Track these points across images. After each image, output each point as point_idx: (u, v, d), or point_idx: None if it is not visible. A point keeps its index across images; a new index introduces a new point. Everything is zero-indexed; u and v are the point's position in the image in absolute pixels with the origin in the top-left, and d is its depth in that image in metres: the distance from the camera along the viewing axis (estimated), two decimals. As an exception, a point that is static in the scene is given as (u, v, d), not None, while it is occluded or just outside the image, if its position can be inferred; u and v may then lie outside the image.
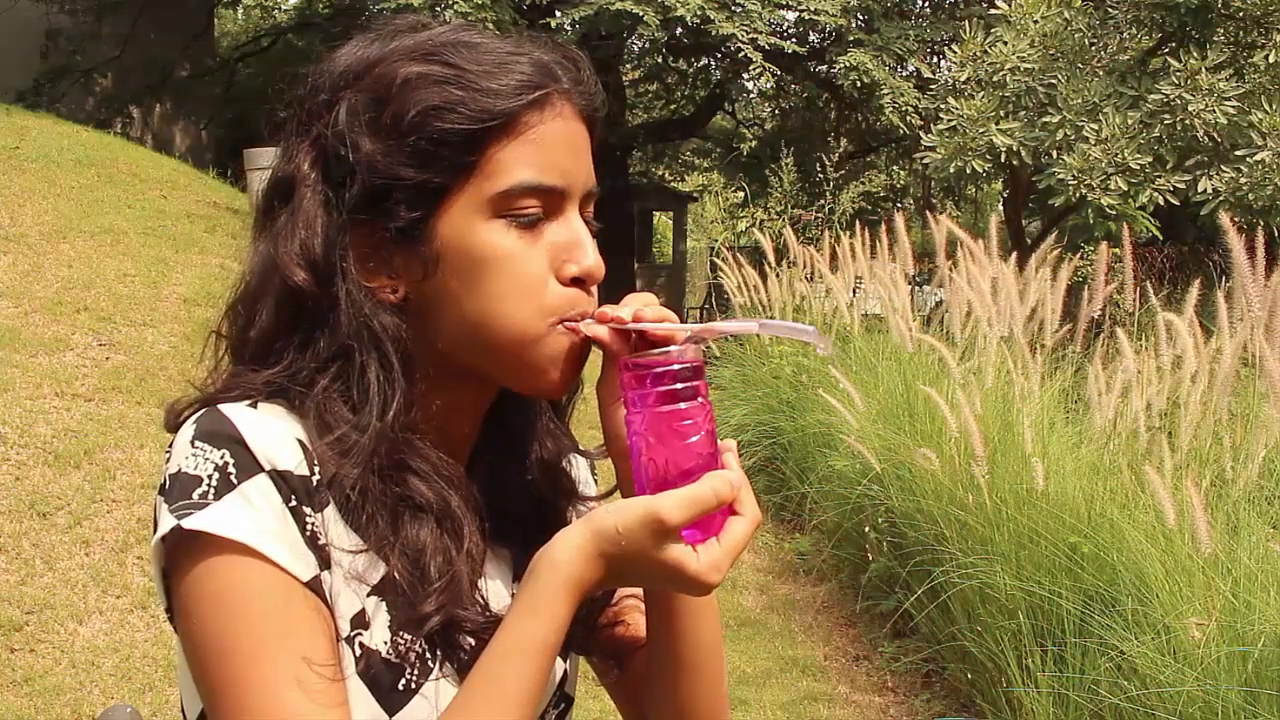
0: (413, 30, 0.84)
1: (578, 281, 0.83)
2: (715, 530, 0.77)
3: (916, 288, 7.41)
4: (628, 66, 16.45)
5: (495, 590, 0.89)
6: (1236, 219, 6.51)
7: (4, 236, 6.35)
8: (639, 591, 0.97)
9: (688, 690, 0.92)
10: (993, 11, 8.20)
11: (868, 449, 3.97)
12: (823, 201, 8.69)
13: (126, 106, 14.81)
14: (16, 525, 3.86)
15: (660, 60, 15.79)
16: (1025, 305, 4.11)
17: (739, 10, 11.71)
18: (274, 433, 0.78)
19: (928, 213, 5.88)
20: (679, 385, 0.77)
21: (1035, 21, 7.66)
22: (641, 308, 0.82)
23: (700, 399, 0.78)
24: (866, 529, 4.29)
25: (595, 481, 1.05)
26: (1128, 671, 2.79)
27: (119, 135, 11.74)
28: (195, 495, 0.75)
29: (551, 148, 0.81)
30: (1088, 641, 2.97)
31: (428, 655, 0.82)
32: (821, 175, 8.85)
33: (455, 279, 0.81)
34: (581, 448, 1.02)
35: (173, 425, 0.83)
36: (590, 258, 0.83)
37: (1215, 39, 7.65)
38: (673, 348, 0.79)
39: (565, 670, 0.94)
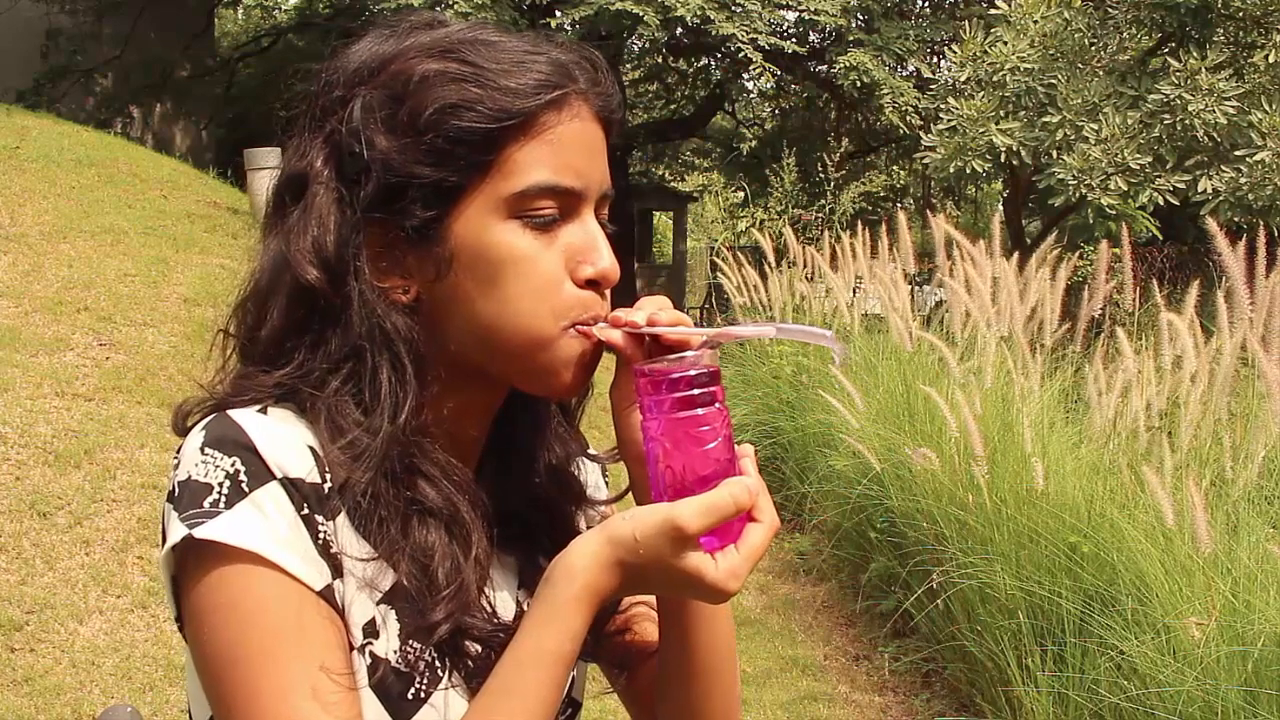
0: (429, 27, 0.83)
1: (592, 284, 0.82)
2: (733, 537, 0.76)
3: (916, 287, 7.41)
4: (628, 66, 16.45)
5: (501, 597, 0.89)
6: (1236, 218, 6.54)
7: (4, 236, 6.36)
8: (650, 599, 0.96)
9: (701, 696, 0.91)
10: (993, 11, 8.21)
11: (868, 449, 3.98)
12: (823, 201, 8.70)
13: (126, 106, 14.82)
14: (17, 525, 3.86)
15: (660, 60, 15.81)
16: (1025, 305, 4.11)
17: (739, 10, 11.72)
18: (285, 439, 0.77)
19: (927, 213, 5.89)
20: (695, 391, 0.76)
21: (1035, 21, 7.67)
22: (656, 311, 0.81)
23: (717, 404, 0.77)
24: (868, 530, 4.29)
25: (606, 485, 1.04)
26: (1128, 671, 2.80)
27: (119, 135, 11.75)
28: (206, 504, 0.74)
29: (568, 149, 0.80)
30: (1088, 641, 2.97)
31: (437, 664, 0.82)
32: (822, 175, 8.86)
33: (469, 280, 0.80)
34: (591, 451, 1.00)
35: (181, 429, 0.82)
36: (605, 260, 0.82)
37: (1215, 39, 7.65)
38: (688, 353, 0.78)
39: (573, 676, 0.93)
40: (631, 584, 0.76)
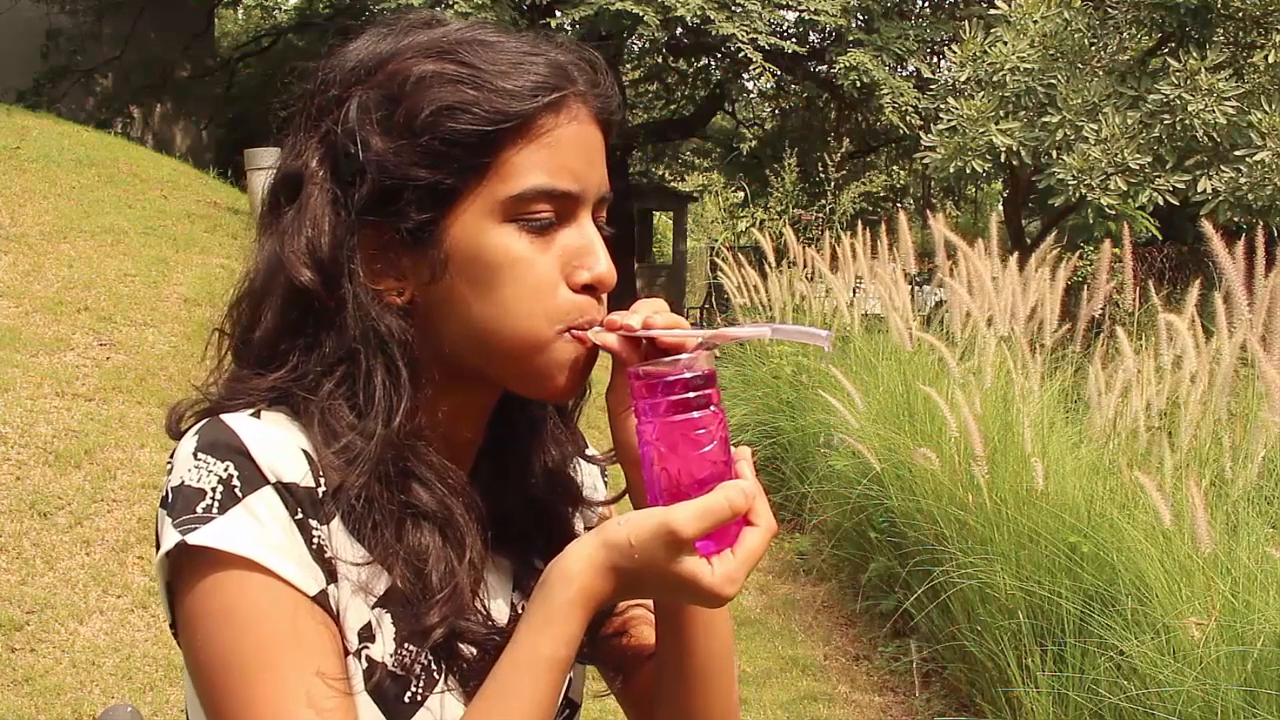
0: (427, 26, 0.82)
1: (588, 288, 0.81)
2: (730, 541, 0.75)
3: (916, 287, 7.41)
4: (628, 66, 16.45)
5: (496, 599, 0.88)
6: (1236, 218, 6.54)
7: (4, 236, 6.36)
8: (648, 602, 0.95)
9: (699, 699, 0.90)
10: (993, 11, 8.21)
11: (868, 449, 3.98)
12: (823, 201, 8.70)
13: (127, 106, 14.83)
14: (17, 525, 3.86)
15: (660, 60, 15.82)
16: (1025, 305, 4.11)
17: (739, 10, 11.72)
18: (279, 443, 0.76)
19: (927, 213, 5.89)
20: (691, 394, 0.76)
21: (1035, 21, 7.67)
22: (651, 314, 0.80)
23: (713, 407, 0.76)
24: (868, 530, 4.29)
25: (605, 486, 1.03)
26: (1127, 671, 2.80)
27: (119, 135, 11.76)
28: (199, 509, 0.73)
29: (566, 151, 0.80)
30: (1087, 641, 2.97)
31: (433, 667, 0.82)
32: (822, 175, 8.86)
33: (464, 283, 0.79)
34: (590, 452, 1.00)
35: (175, 432, 0.81)
36: (602, 264, 0.81)
37: (1215, 39, 7.65)
38: (683, 356, 0.77)
39: (570, 677, 0.93)
40: (627, 589, 0.76)
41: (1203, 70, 6.91)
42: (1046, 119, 7.32)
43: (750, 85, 16.80)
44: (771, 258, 6.57)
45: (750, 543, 0.75)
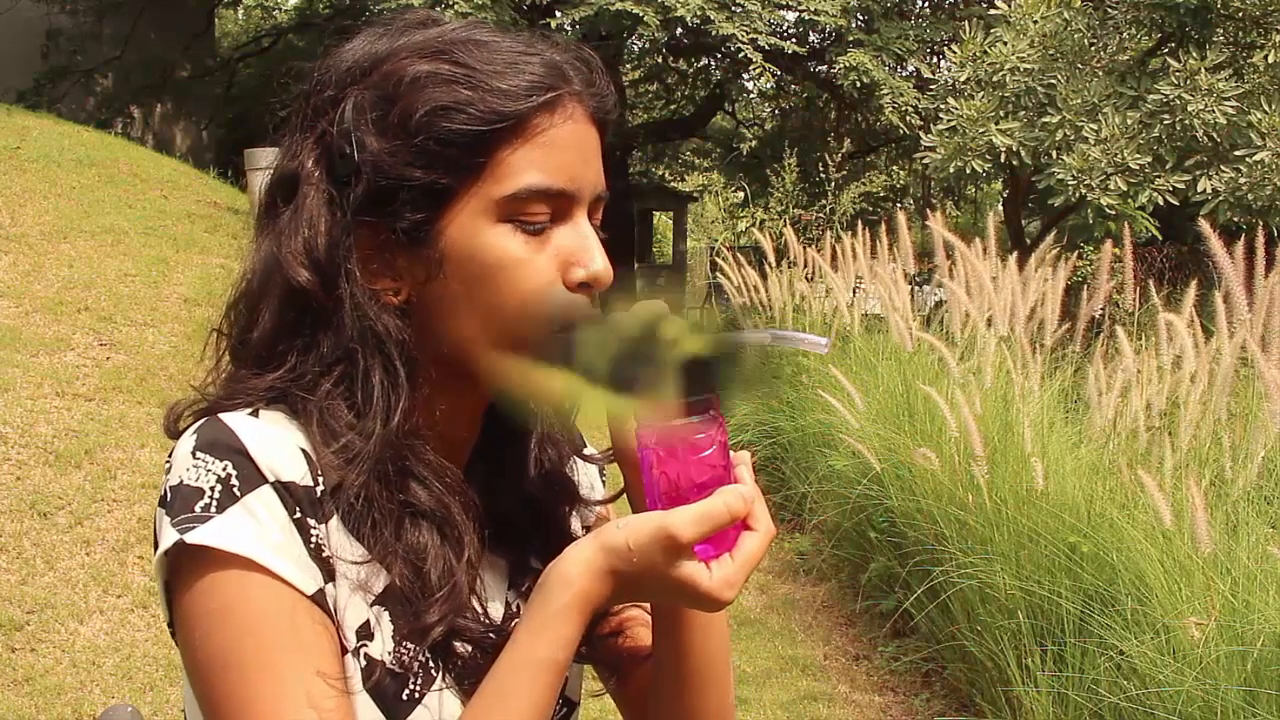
0: (422, 26, 0.82)
1: (584, 287, 0.81)
2: (728, 545, 0.75)
3: (916, 287, 7.41)
4: (628, 66, 16.46)
5: (492, 598, 0.88)
6: (1236, 218, 6.54)
7: (5, 236, 6.36)
8: (645, 604, 0.96)
9: (696, 701, 0.90)
10: (993, 12, 8.20)
11: (868, 449, 3.98)
12: (823, 202, 8.70)
13: (127, 106, 14.84)
14: (17, 525, 3.86)
15: (660, 60, 15.83)
16: (1025, 305, 4.11)
17: (739, 10, 11.73)
18: (277, 443, 0.76)
19: (927, 212, 5.89)
20: (690, 399, 0.75)
21: (1035, 22, 7.66)
22: None
23: (712, 411, 0.76)
24: (868, 530, 4.29)
25: (604, 484, 1.03)
26: (1127, 671, 2.80)
27: (120, 135, 11.77)
28: (197, 508, 0.73)
29: (561, 151, 0.79)
30: (1087, 641, 2.97)
31: (431, 665, 0.82)
32: (822, 175, 8.87)
33: (459, 283, 0.79)
34: (588, 451, 1.00)
35: (172, 432, 0.81)
36: (598, 262, 0.81)
37: (1215, 39, 7.64)
38: None
39: (567, 676, 0.94)
40: (626, 592, 0.76)
41: (1203, 70, 6.91)
42: (1046, 119, 7.32)
43: (750, 85, 16.82)
44: (771, 258, 6.57)
45: (749, 547, 0.76)
